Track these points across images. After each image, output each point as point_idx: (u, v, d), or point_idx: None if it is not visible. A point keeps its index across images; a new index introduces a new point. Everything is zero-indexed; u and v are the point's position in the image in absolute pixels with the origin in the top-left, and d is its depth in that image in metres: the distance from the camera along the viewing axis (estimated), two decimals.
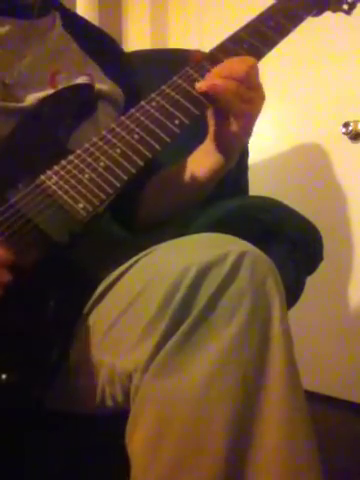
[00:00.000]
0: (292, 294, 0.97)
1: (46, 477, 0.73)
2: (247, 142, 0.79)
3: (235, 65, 0.72)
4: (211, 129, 0.78)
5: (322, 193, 1.72)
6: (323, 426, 1.54)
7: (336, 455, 1.37)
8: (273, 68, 1.73)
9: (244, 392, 0.54)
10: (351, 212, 1.67)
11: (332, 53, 1.65)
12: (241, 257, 0.58)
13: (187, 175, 0.84)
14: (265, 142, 1.79)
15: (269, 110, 1.98)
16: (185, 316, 0.56)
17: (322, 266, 1.05)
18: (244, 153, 1.32)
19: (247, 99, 0.72)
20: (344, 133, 1.63)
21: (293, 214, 1.01)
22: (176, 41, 2.05)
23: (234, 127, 0.74)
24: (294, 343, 0.60)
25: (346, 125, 1.62)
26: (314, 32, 1.63)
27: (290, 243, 0.98)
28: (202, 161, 0.83)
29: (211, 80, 0.71)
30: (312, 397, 1.65)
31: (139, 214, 0.93)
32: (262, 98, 0.74)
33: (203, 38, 1.94)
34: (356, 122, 1.61)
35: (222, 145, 0.79)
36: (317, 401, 1.68)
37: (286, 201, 1.02)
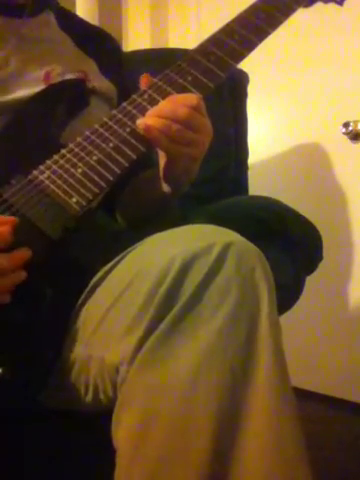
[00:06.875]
0: (292, 294, 0.97)
1: (45, 476, 0.73)
2: (195, 176, 0.77)
3: (177, 107, 0.67)
4: (159, 160, 0.75)
5: (322, 193, 1.72)
6: (323, 426, 1.54)
7: (336, 455, 1.37)
8: (273, 68, 1.74)
9: (231, 384, 0.53)
10: (351, 212, 1.67)
11: (332, 53, 1.65)
12: (227, 248, 0.58)
13: (150, 187, 0.84)
14: (265, 142, 1.79)
15: (269, 110, 1.98)
16: (170, 307, 0.55)
17: (322, 266, 1.05)
18: (244, 153, 1.32)
19: (188, 141, 0.67)
20: (344, 133, 1.63)
21: (293, 214, 1.01)
22: (176, 41, 2.05)
23: (175, 168, 0.72)
24: (283, 335, 0.58)
25: (346, 125, 1.62)
26: (314, 32, 1.63)
27: (290, 243, 0.98)
28: (157, 182, 0.81)
29: (148, 119, 0.67)
30: (312, 397, 1.67)
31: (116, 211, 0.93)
32: (207, 137, 0.69)
33: (202, 38, 1.94)
34: (356, 122, 1.61)
35: (168, 178, 0.77)
36: (317, 401, 1.68)
37: (286, 201, 1.02)
